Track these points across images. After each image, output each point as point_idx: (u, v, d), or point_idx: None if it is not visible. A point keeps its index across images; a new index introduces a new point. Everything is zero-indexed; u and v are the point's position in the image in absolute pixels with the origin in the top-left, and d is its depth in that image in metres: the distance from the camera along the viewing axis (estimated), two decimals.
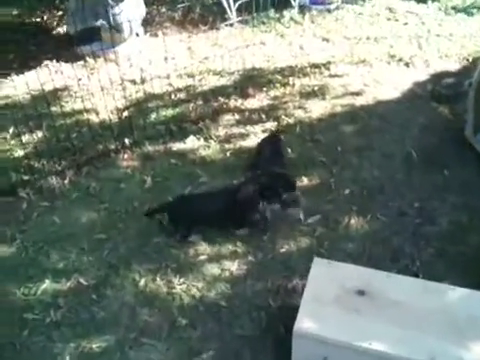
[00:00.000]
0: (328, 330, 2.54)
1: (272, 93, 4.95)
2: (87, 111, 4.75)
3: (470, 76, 5.07)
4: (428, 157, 4.15)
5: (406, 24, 6.45)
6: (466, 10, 6.76)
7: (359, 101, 4.80)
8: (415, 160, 4.14)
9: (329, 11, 6.76)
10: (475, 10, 6.76)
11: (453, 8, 6.87)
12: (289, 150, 4.21)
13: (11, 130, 4.65)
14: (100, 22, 5.62)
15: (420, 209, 3.70)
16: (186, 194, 3.83)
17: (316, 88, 4.97)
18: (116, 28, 5.54)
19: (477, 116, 4.12)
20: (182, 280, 3.24)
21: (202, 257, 3.39)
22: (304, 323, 2.57)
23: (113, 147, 4.37)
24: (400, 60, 5.38)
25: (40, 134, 4.51)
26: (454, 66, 5.31)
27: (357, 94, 4.89)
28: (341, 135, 4.42)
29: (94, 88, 4.73)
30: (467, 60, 5.39)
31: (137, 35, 5.95)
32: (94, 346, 2.90)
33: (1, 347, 2.91)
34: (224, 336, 2.94)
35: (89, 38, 5.60)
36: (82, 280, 3.28)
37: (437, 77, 5.15)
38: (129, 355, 2.86)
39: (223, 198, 3.57)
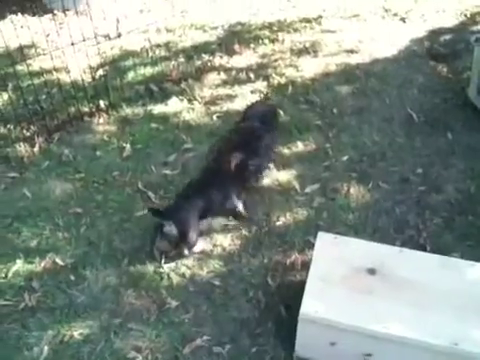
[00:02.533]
0: (337, 313, 2.32)
1: (260, 50, 4.57)
2: (57, 70, 4.32)
3: (468, 32, 4.80)
4: (430, 119, 3.89)
5: None
6: None
7: (354, 59, 4.47)
8: (416, 123, 3.87)
9: None
10: None
11: None
12: (281, 113, 3.88)
13: None
14: None
15: (424, 175, 3.46)
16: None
17: (307, 45, 4.61)
18: None
19: None
20: (170, 258, 2.94)
21: None
22: (310, 305, 2.33)
23: (87, 110, 3.97)
24: (395, 15, 5.04)
25: (5, 96, 4.09)
26: (451, 21, 5.01)
27: (351, 51, 4.56)
28: (337, 96, 4.11)
29: (64, 44, 4.26)
30: (465, 15, 5.09)
31: None
32: (75, 333, 2.61)
33: None
34: (219, 319, 2.68)
35: None
36: (58, 260, 2.96)
37: (434, 33, 4.85)
38: (115, 343, 2.57)
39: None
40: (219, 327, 2.65)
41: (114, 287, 2.82)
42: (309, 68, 4.36)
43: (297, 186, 3.38)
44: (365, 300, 2.35)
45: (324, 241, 2.62)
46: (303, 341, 2.43)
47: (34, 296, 2.78)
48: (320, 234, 2.66)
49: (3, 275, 2.88)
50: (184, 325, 2.66)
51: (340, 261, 2.51)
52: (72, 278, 2.87)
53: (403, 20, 4.99)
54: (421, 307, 2.30)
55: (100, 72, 4.34)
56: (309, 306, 2.32)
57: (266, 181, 3.40)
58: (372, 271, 2.46)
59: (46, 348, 2.56)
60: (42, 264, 2.94)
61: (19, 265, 2.93)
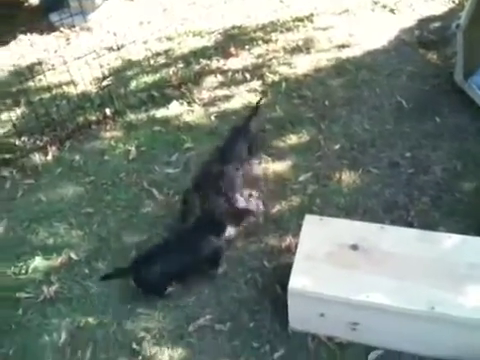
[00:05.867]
0: (323, 286, 2.51)
1: (255, 51, 4.77)
2: (65, 84, 4.60)
3: (457, 18, 4.92)
4: (419, 105, 4.04)
5: None
6: None
7: (345, 53, 4.63)
8: (406, 109, 4.03)
9: None
10: None
11: None
12: (278, 108, 4.09)
13: None
14: None
15: (412, 158, 3.63)
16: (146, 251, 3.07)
17: (300, 43, 4.79)
18: None
19: (467, 60, 3.99)
20: None
21: None
22: (298, 281, 2.54)
23: (94, 118, 4.22)
24: (384, 7, 5.17)
25: (18, 111, 4.37)
26: (440, 9, 5.12)
27: (343, 46, 4.71)
28: (329, 89, 4.29)
29: (70, 59, 4.56)
30: (453, 2, 5.20)
31: None
32: (90, 319, 2.88)
33: None
34: (221, 300, 2.91)
35: (58, 7, 5.37)
36: (73, 255, 3.23)
37: (423, 22, 4.97)
38: (126, 325, 2.84)
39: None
40: (220, 307, 2.88)
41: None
42: (302, 65, 4.54)
43: (291, 175, 3.58)
44: (349, 274, 2.54)
45: (310, 223, 2.82)
46: (295, 314, 2.64)
47: (52, 288, 3.04)
48: (307, 217, 2.86)
49: (23, 271, 3.16)
50: (188, 307, 2.89)
51: (325, 240, 2.70)
52: (86, 271, 3.13)
53: (392, 11, 5.12)
54: (400, 277, 2.48)
55: (105, 82, 4.60)
56: (297, 281, 2.53)
57: (262, 172, 3.61)
58: (355, 247, 2.65)
59: (64, 333, 2.83)
60: (58, 260, 3.21)
61: (38, 261, 3.20)
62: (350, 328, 2.53)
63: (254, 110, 3.87)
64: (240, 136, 3.60)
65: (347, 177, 3.53)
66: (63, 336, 2.81)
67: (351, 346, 2.59)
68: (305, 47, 4.76)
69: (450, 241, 2.64)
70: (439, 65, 4.46)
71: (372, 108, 4.08)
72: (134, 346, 2.74)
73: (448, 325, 2.36)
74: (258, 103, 3.96)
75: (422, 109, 4.01)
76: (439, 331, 2.40)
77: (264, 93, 4.28)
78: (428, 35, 4.79)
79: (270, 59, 4.67)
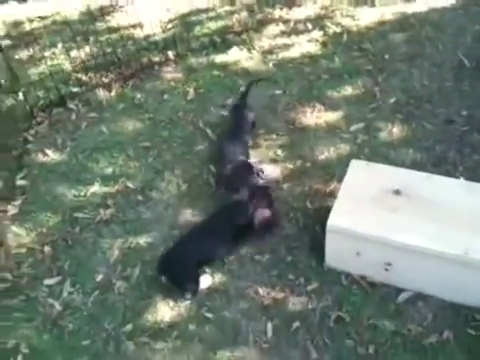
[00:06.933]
0: (361, 225, 2.58)
1: (320, 2, 4.75)
2: (132, 26, 4.79)
3: None
4: None
5: None
6: None
7: (411, 8, 4.53)
8: (467, 68, 3.94)
9: None
10: None
11: None
12: (336, 59, 4.10)
13: (60, 46, 4.77)
14: None
15: (469, 117, 3.57)
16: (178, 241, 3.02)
17: None
18: None
19: None
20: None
21: None
22: (337, 219, 2.62)
23: (157, 60, 4.41)
24: None
25: (87, 49, 4.60)
26: None
27: (409, 1, 4.61)
28: (390, 43, 4.24)
29: (139, 2, 4.73)
30: None
31: None
32: (141, 241, 3.10)
33: (54, 242, 3.15)
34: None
35: None
36: (129, 184, 3.45)
37: None
38: None
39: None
40: (261, 240, 3.02)
41: (174, 206, 3.26)
42: (365, 17, 4.50)
43: (343, 125, 3.62)
44: (388, 216, 2.60)
45: (356, 167, 2.87)
46: (332, 251, 2.74)
47: (108, 211, 3.28)
48: (353, 161, 2.92)
49: (83, 194, 3.42)
50: None
51: (369, 183, 2.76)
52: (140, 198, 3.35)
53: None
54: (439, 223, 2.51)
55: (170, 26, 4.75)
56: (336, 219, 2.62)
57: (313, 121, 3.67)
58: (398, 192, 2.69)
59: (117, 252, 3.06)
60: (115, 187, 3.44)
61: (96, 187, 3.45)
62: (383, 268, 2.60)
63: (249, 86, 3.76)
64: (243, 112, 3.59)
65: (399, 130, 3.53)
66: (115, 254, 3.05)
67: (383, 286, 2.67)
68: (370, 0, 4.68)
69: None
70: None
71: (433, 65, 4.01)
72: None
73: None
74: (255, 82, 3.81)
75: None
76: (471, 277, 2.43)
77: (324, 44, 4.29)
78: None
79: (333, 10, 4.65)
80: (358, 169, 2.87)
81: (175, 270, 2.80)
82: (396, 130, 3.54)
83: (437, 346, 2.43)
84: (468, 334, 2.46)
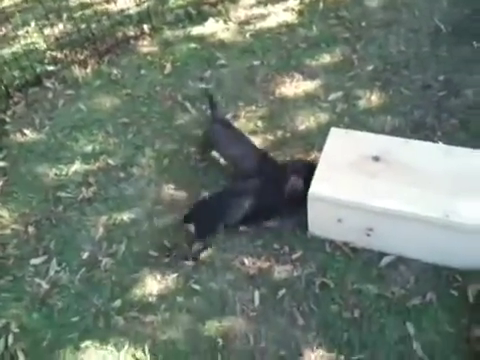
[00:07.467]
0: (342, 192, 2.62)
1: None
2: (106, 1, 4.72)
3: None
4: (457, 30, 3.95)
5: None
6: None
7: None
8: (443, 33, 3.95)
9: None
10: None
11: None
12: (314, 28, 4.07)
13: (33, 24, 4.67)
14: None
15: (445, 82, 3.59)
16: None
17: None
18: None
19: None
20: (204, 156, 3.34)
21: None
22: (318, 187, 2.65)
23: (132, 34, 4.36)
24: None
25: (60, 26, 4.52)
26: None
27: None
28: (367, 10, 4.23)
29: None
30: None
31: None
32: (124, 218, 3.10)
33: (38, 222, 3.14)
34: None
35: None
36: (110, 161, 3.43)
37: None
38: (157, 224, 3.04)
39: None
40: None
41: (156, 182, 3.26)
42: None
43: (322, 94, 3.63)
44: (368, 182, 2.63)
45: (336, 135, 2.90)
46: (314, 219, 2.78)
47: (90, 189, 3.27)
48: (332, 129, 2.94)
49: (64, 173, 3.40)
50: None
51: (348, 150, 2.79)
52: (122, 175, 3.34)
53: None
54: (419, 187, 2.55)
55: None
56: (317, 187, 2.66)
57: (292, 91, 3.67)
58: (377, 158, 2.73)
59: (101, 229, 3.06)
60: (96, 164, 3.43)
61: (77, 165, 3.43)
62: (365, 234, 2.65)
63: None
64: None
65: (377, 98, 3.56)
66: (100, 231, 3.05)
67: (366, 252, 2.72)
68: None
69: (474, 156, 2.67)
70: None
71: (409, 30, 4.02)
72: (165, 242, 2.96)
73: (461, 234, 2.45)
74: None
75: (460, 34, 3.91)
76: (451, 239, 2.49)
77: (301, 12, 4.26)
78: None
79: None
80: (337, 137, 2.89)
81: (204, 221, 2.90)
82: (374, 97, 3.56)
83: (420, 308, 2.50)
84: (450, 295, 2.52)
